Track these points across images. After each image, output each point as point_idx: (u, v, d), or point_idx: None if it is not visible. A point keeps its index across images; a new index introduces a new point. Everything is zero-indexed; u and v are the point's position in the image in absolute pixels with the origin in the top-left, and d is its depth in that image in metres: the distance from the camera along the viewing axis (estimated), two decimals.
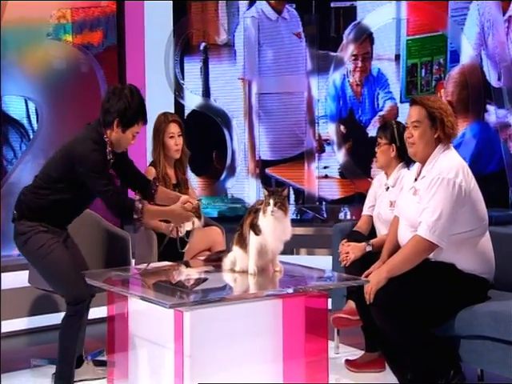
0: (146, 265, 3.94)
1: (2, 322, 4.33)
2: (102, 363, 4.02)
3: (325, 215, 6.30)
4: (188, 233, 4.29)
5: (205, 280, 3.67)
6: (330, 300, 3.82)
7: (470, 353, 3.41)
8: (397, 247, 3.62)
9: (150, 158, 4.73)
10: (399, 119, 5.47)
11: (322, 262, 4.60)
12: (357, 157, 6.19)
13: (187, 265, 4.07)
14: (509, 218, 5.36)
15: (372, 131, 6.06)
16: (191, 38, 6.64)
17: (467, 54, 5.81)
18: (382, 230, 4.15)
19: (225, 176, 6.58)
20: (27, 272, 4.27)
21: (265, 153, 6.49)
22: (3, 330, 4.48)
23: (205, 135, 6.43)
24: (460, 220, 3.45)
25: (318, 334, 3.39)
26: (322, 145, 6.33)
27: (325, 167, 6.33)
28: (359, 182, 6.15)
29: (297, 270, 3.70)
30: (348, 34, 6.20)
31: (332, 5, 6.21)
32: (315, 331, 3.38)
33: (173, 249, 4.31)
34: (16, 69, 5.72)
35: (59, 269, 3.67)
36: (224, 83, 6.55)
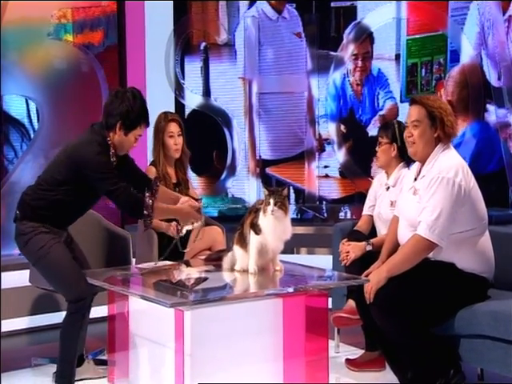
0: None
1: (3, 321, 4.33)
2: (103, 362, 4.02)
3: (325, 214, 6.30)
4: (188, 232, 4.29)
5: (205, 279, 3.67)
6: (330, 299, 3.83)
7: (469, 352, 3.42)
8: (396, 247, 3.62)
9: (150, 158, 4.74)
10: (399, 119, 5.46)
11: (323, 261, 4.60)
12: (357, 156, 6.20)
13: (188, 264, 4.08)
14: (509, 217, 5.36)
15: (372, 131, 6.07)
16: (192, 38, 6.64)
17: (467, 54, 5.82)
18: (382, 230, 4.15)
19: (225, 175, 6.58)
20: (28, 271, 4.28)
21: (265, 152, 6.50)
22: (4, 329, 4.48)
23: (205, 135, 6.44)
24: (460, 219, 3.45)
25: (319, 333, 3.40)
26: (322, 144, 6.34)
27: (325, 167, 6.34)
28: (359, 182, 6.16)
29: (297, 269, 3.70)
30: (348, 34, 6.20)
31: (332, 4, 6.22)
32: (315, 330, 3.39)
33: (173, 248, 4.33)
34: (17, 68, 5.72)
35: (60, 268, 3.67)
36: (224, 83, 6.56)
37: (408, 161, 4.09)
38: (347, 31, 6.21)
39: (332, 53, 6.26)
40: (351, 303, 3.96)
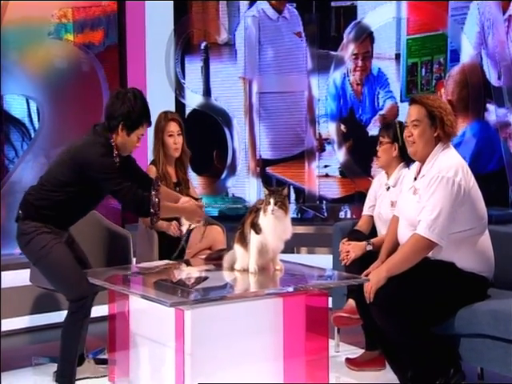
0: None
1: (4, 321, 4.34)
2: (103, 361, 4.03)
3: (325, 214, 6.30)
4: (189, 232, 4.30)
5: (205, 279, 3.67)
6: (330, 299, 3.84)
7: (469, 351, 3.42)
8: (396, 246, 3.63)
9: (151, 157, 4.74)
10: (399, 118, 5.48)
11: (323, 260, 4.60)
12: (357, 156, 6.20)
13: (188, 263, 4.08)
14: (509, 216, 5.36)
15: (372, 130, 6.07)
16: (192, 38, 6.65)
17: (467, 53, 5.82)
18: (382, 230, 4.14)
19: (225, 175, 6.59)
20: (29, 270, 4.28)
21: (265, 152, 6.50)
22: (4, 329, 4.48)
23: (205, 134, 6.44)
24: (459, 219, 3.45)
25: (319, 333, 3.40)
26: (322, 144, 6.34)
27: (325, 166, 6.34)
28: (359, 181, 6.16)
29: (297, 268, 3.70)
30: (348, 34, 6.21)
31: (332, 4, 6.22)
32: (316, 330, 3.39)
33: (173, 248, 4.34)
34: (17, 68, 5.73)
35: (61, 267, 3.68)
36: (225, 82, 6.56)
37: (408, 161, 4.09)
38: (347, 31, 6.21)
39: (332, 52, 6.26)
40: (351, 303, 3.96)
